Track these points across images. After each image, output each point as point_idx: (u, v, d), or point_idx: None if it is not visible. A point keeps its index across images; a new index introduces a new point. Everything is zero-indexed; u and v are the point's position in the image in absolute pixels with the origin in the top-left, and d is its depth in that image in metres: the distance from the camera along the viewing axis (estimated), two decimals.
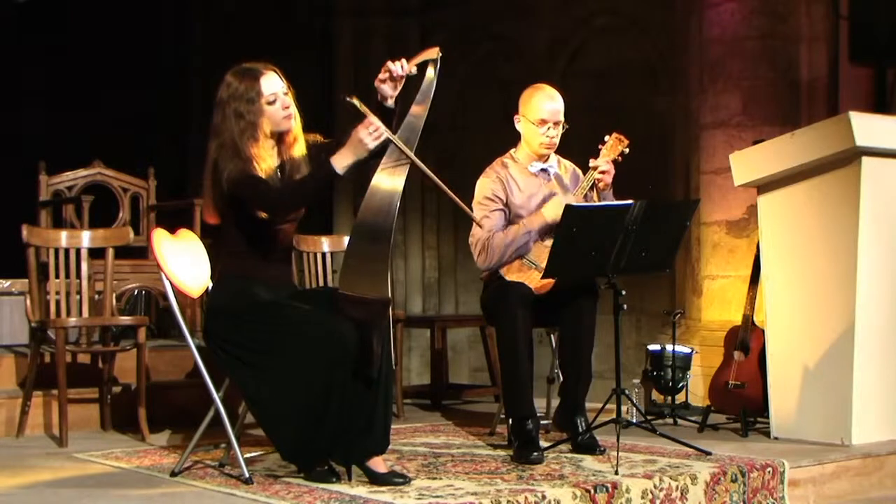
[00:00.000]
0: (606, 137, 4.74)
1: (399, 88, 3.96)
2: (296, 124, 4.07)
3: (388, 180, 3.87)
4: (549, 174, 4.82)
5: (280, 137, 4.06)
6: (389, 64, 3.94)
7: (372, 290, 3.77)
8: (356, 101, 3.87)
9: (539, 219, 4.66)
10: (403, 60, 3.95)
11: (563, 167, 4.90)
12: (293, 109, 4.04)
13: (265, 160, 3.98)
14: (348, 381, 3.82)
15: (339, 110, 8.83)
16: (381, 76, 3.95)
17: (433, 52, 4.04)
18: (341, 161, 3.85)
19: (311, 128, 4.18)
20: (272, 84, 4.00)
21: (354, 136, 3.85)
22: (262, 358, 3.92)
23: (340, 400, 3.82)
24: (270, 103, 3.98)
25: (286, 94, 4.03)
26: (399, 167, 3.89)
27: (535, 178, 4.80)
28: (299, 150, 4.09)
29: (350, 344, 3.80)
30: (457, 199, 4.02)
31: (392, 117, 3.98)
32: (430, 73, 4.02)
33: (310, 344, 3.82)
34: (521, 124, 4.78)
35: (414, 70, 3.98)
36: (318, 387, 3.81)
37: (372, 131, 3.84)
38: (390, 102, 3.97)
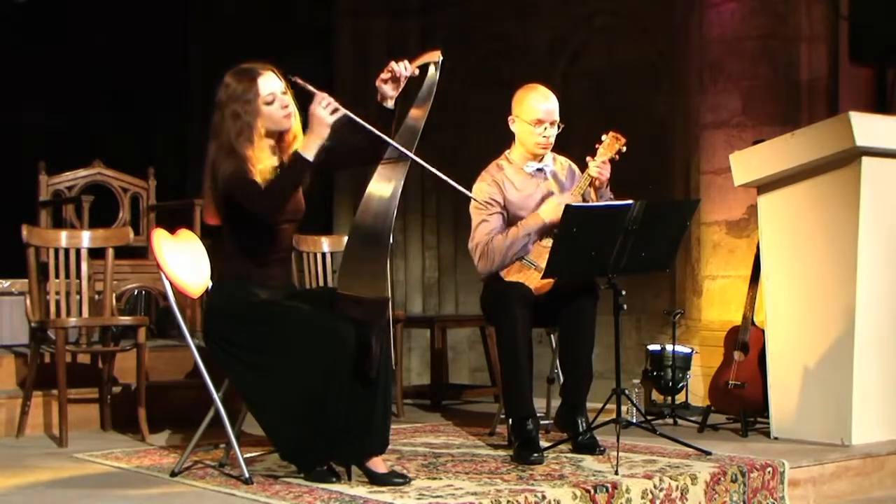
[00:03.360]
0: (603, 136, 4.74)
1: (399, 89, 3.98)
2: (296, 123, 4.07)
3: (386, 182, 3.88)
4: (545, 173, 4.83)
5: (280, 136, 4.07)
6: (393, 64, 3.96)
7: (370, 291, 3.77)
8: (299, 80, 3.89)
9: (537, 220, 4.66)
10: (406, 61, 3.97)
11: (558, 164, 4.90)
12: (293, 108, 4.05)
13: (262, 161, 3.98)
14: (347, 381, 3.82)
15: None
16: (382, 76, 3.97)
17: (435, 55, 4.05)
18: (307, 146, 3.88)
19: None
20: (270, 84, 4.00)
21: (311, 117, 3.88)
22: (260, 358, 3.92)
23: (339, 400, 3.82)
24: (268, 103, 3.98)
25: (285, 93, 4.03)
26: (397, 168, 3.90)
27: (531, 178, 4.79)
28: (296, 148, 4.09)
29: (348, 344, 3.80)
30: (453, 183, 3.99)
31: (391, 119, 4.00)
32: (432, 74, 4.03)
33: (308, 344, 3.83)
34: (515, 125, 4.78)
35: (416, 72, 4.00)
36: (317, 387, 3.81)
37: (325, 105, 3.86)
38: (390, 103, 3.99)
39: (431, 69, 4.04)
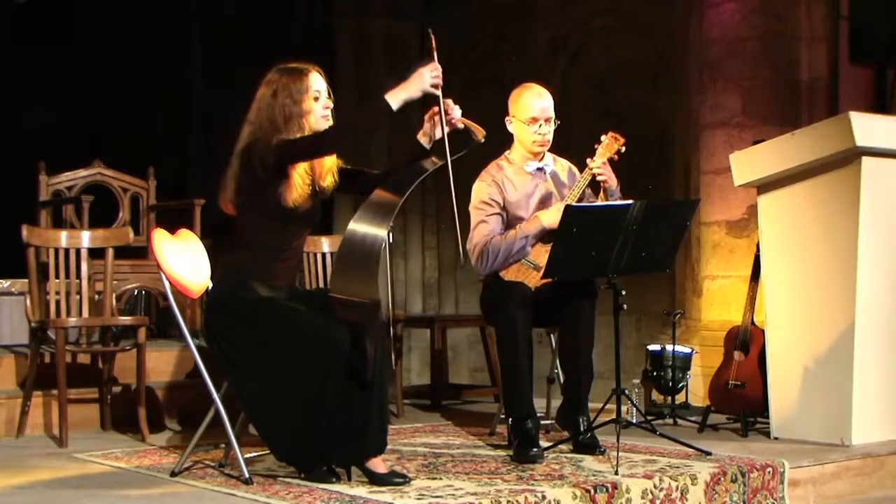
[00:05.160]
0: (602, 136, 4.75)
1: (442, 134, 3.99)
2: None
3: (389, 195, 3.90)
4: (545, 173, 4.83)
5: None
6: (449, 102, 4.01)
7: (362, 293, 3.77)
8: (433, 37, 3.93)
9: (536, 224, 4.67)
10: (459, 108, 4.02)
11: (559, 165, 4.91)
12: (330, 113, 4.10)
13: None
14: (343, 382, 3.82)
15: (340, 111, 8.82)
16: (434, 108, 3.99)
17: (481, 131, 4.12)
18: (395, 95, 3.89)
19: None
20: (319, 82, 4.08)
21: (415, 74, 3.90)
22: (257, 357, 3.92)
23: (335, 401, 3.82)
24: (316, 99, 4.04)
25: (329, 97, 4.09)
26: (405, 186, 3.95)
27: (531, 178, 4.80)
28: (329, 160, 4.11)
29: (344, 346, 3.80)
30: (457, 231, 4.00)
31: (424, 157, 4.04)
32: (469, 142, 4.08)
33: (304, 345, 3.83)
34: (512, 125, 4.80)
35: (461, 126, 4.05)
36: (313, 388, 3.82)
37: (434, 74, 3.89)
38: (427, 142, 4.02)
39: (471, 137, 4.09)
